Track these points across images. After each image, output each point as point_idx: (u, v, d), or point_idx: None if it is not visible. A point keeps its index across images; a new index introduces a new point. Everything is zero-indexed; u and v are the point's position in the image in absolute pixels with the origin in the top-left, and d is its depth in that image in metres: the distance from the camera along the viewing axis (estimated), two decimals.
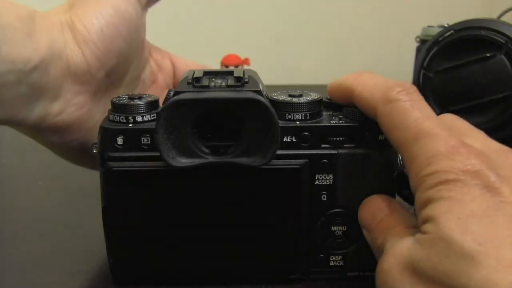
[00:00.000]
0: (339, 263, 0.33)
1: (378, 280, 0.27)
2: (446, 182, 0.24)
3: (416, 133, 0.26)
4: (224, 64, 0.78)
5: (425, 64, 0.57)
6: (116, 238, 0.32)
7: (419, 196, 0.26)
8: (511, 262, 0.22)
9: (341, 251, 0.33)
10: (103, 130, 0.31)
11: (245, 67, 0.78)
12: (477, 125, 0.50)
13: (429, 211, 0.25)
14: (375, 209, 0.30)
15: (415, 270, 0.24)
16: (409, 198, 0.33)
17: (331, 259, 0.33)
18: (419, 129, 0.26)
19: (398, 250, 0.26)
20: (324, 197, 0.32)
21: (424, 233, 0.25)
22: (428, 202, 0.25)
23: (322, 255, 0.33)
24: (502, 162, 0.26)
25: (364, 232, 0.31)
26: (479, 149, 0.26)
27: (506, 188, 0.24)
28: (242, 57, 0.79)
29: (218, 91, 0.30)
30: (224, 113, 0.30)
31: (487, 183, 0.24)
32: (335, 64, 1.00)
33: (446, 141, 0.25)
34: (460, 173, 0.24)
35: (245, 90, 0.30)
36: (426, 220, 0.25)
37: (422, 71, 0.57)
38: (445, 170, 0.24)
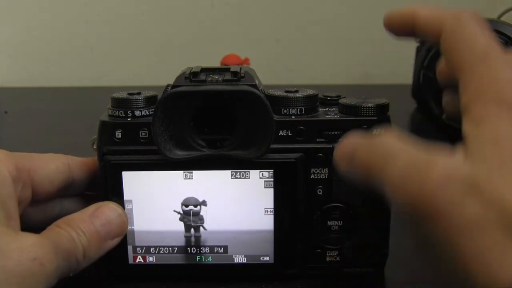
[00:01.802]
0: (335, 258, 0.34)
1: (414, 201, 0.23)
2: (509, 106, 0.23)
3: (484, 55, 0.25)
4: (224, 64, 0.78)
5: (425, 64, 0.57)
6: None
7: (476, 112, 0.24)
8: None
9: (337, 246, 0.33)
10: (102, 124, 0.32)
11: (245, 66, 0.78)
12: None
13: (488, 129, 0.23)
14: (349, 138, 0.27)
15: (474, 190, 0.22)
16: None
17: (327, 254, 0.34)
18: (489, 51, 0.25)
19: (450, 165, 0.23)
20: (319, 192, 0.32)
21: (477, 151, 0.23)
22: (486, 118, 0.24)
23: (318, 250, 0.33)
24: None
25: (342, 171, 0.27)
26: None
27: None
28: (242, 57, 0.80)
29: (214, 85, 0.30)
30: (220, 106, 0.30)
31: None
32: (335, 65, 1.00)
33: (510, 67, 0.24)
34: None
35: (241, 84, 0.30)
36: (482, 137, 0.23)
37: (422, 71, 0.57)
38: (509, 92, 0.23)
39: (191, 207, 0.32)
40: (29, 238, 0.27)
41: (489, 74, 0.25)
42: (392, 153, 0.24)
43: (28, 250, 0.26)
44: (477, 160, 0.23)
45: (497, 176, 0.22)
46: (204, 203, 0.32)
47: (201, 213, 0.32)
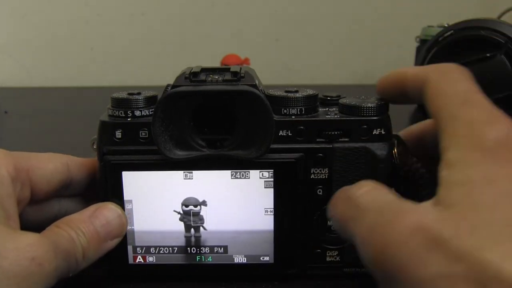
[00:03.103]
0: (335, 258, 0.34)
1: (377, 246, 0.23)
2: (485, 150, 0.24)
3: (464, 100, 0.26)
4: (224, 64, 0.78)
5: (425, 64, 0.57)
6: None
7: (453, 154, 0.24)
8: None
9: (337, 246, 0.33)
10: (102, 124, 0.32)
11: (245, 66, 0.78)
12: None
13: (462, 176, 0.23)
14: (338, 192, 0.29)
15: (437, 245, 0.22)
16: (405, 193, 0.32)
17: (327, 254, 0.34)
18: (468, 98, 0.26)
19: (415, 218, 0.23)
20: (319, 191, 0.32)
21: (449, 202, 0.23)
22: (461, 162, 0.24)
23: (318, 250, 0.33)
24: None
25: (336, 225, 0.28)
26: None
27: None
28: (242, 57, 0.80)
29: (214, 85, 0.30)
30: (220, 106, 0.30)
31: None
32: (335, 64, 1.00)
33: (490, 111, 0.25)
34: (500, 146, 0.23)
35: (241, 84, 0.30)
36: (456, 184, 0.23)
37: None
38: (486, 140, 0.24)
39: (191, 207, 0.32)
40: (28, 238, 0.27)
41: (466, 118, 0.25)
42: (364, 207, 0.25)
43: (26, 250, 0.26)
44: (446, 210, 0.23)
45: (465, 228, 0.22)
46: (204, 203, 0.32)
47: (201, 213, 0.32)
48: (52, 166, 0.33)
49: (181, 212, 0.32)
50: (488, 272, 0.20)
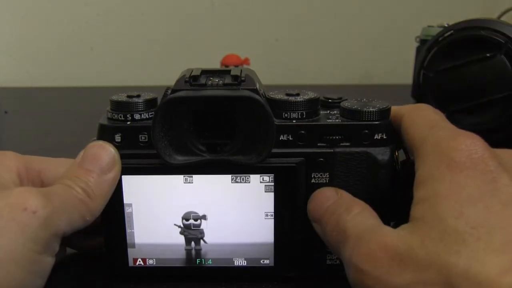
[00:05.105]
0: (335, 261, 0.34)
1: (355, 266, 0.26)
2: (450, 162, 0.26)
3: (431, 125, 0.29)
4: (224, 64, 0.78)
5: (425, 64, 0.57)
6: (115, 234, 0.32)
7: (421, 173, 0.27)
8: (500, 246, 0.23)
9: None
10: (101, 127, 0.32)
11: (245, 67, 0.78)
12: (477, 125, 0.50)
13: (428, 191, 0.26)
14: (323, 198, 0.31)
15: (404, 258, 0.25)
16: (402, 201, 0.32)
17: (327, 257, 0.33)
18: (435, 124, 0.29)
19: (384, 238, 0.26)
20: None
21: (417, 216, 0.26)
22: (429, 179, 0.26)
23: (318, 254, 0.33)
24: (506, 158, 0.27)
25: (314, 225, 0.31)
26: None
27: (505, 178, 0.25)
28: (242, 57, 0.79)
29: (215, 89, 0.30)
30: (221, 111, 0.30)
31: (488, 170, 0.25)
32: (335, 65, 1.00)
33: (455, 131, 0.28)
34: (464, 156, 0.26)
35: (242, 89, 0.30)
36: (423, 200, 0.26)
37: (422, 71, 0.57)
38: (451, 152, 0.26)
39: (191, 221, 0.32)
40: (16, 190, 0.27)
41: (434, 139, 0.27)
42: (349, 232, 0.28)
43: (18, 203, 0.26)
44: (413, 225, 0.26)
45: (430, 237, 0.24)
46: (204, 217, 0.32)
47: (201, 227, 0.32)
48: (62, 170, 0.33)
49: (182, 226, 0.32)
50: (456, 275, 0.23)
